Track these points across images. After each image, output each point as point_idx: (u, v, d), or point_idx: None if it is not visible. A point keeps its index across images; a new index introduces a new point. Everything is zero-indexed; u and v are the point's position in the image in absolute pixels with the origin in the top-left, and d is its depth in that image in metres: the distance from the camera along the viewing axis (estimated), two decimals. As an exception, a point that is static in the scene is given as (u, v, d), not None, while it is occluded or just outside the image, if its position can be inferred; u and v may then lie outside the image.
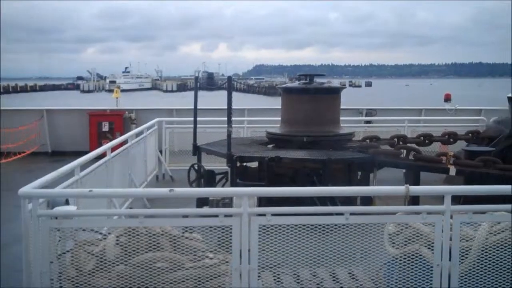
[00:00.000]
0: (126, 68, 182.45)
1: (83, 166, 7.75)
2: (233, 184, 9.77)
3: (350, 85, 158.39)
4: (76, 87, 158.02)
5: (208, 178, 10.49)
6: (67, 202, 5.63)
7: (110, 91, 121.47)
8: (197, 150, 11.14)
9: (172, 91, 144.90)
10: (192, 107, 11.45)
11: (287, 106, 10.96)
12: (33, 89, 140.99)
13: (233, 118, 9.96)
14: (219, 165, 11.43)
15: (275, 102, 16.44)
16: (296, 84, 11.28)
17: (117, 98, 21.18)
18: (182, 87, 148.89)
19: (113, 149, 9.73)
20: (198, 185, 10.49)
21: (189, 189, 7.79)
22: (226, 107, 9.89)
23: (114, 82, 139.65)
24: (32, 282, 5.06)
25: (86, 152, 8.50)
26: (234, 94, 10.10)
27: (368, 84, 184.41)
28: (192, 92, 11.39)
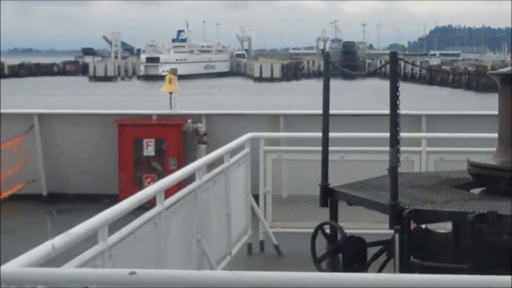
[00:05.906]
0: (179, 32, 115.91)
1: (113, 225, 5.50)
2: (404, 267, 6.70)
3: None
4: (82, 70, 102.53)
5: (352, 253, 7.37)
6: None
7: (151, 77, 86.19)
8: (329, 196, 7.81)
9: (271, 79, 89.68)
10: (317, 111, 7.98)
11: (510, 111, 7.42)
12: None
13: (401, 134, 6.50)
14: (373, 226, 8.77)
15: (486, 103, 11.80)
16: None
17: (171, 93, 13.52)
18: (291, 70, 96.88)
19: (168, 192, 6.79)
20: (333, 266, 7.35)
21: (314, 274, 5.08)
22: (385, 111, 6.78)
23: (156, 59, 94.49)
24: None
25: (112, 197, 7.32)
26: (402, 85, 6.63)
27: None
28: (311, 82, 8.12)
